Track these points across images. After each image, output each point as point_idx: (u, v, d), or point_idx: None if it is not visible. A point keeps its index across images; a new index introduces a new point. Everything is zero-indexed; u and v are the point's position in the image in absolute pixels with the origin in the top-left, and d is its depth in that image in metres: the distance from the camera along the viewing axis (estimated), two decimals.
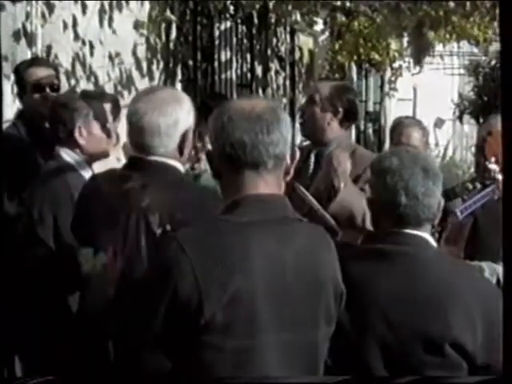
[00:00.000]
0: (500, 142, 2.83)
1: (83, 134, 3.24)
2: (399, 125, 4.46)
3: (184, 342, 1.97)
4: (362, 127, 12.49)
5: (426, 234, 2.39)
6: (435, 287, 2.31)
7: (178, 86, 6.96)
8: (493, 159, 3.01)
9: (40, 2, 5.02)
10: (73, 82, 5.45)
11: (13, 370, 3.39)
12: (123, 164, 2.74)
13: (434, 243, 2.43)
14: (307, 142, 3.80)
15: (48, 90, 3.83)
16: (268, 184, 2.06)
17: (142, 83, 6.27)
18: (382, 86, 12.66)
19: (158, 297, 1.97)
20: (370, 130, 12.57)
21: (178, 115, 2.55)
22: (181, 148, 2.59)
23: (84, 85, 5.55)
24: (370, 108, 12.86)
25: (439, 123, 16.26)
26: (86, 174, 3.24)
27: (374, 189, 2.43)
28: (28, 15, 4.98)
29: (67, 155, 3.28)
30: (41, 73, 3.89)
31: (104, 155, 3.34)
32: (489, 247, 3.07)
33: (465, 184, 3.52)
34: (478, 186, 3.34)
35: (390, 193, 2.36)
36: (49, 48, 5.17)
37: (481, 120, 10.82)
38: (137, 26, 6.20)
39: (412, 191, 2.34)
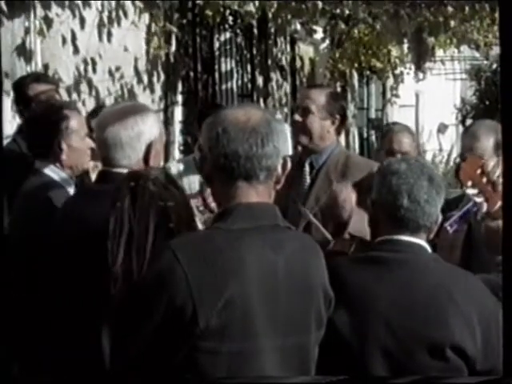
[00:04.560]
0: (473, 167, 2.85)
1: (63, 147, 3.16)
2: (389, 131, 4.47)
3: (179, 347, 1.98)
4: (365, 134, 12.51)
5: (422, 241, 2.40)
6: (435, 293, 2.31)
7: (179, 97, 6.97)
8: (469, 183, 2.99)
9: (38, 17, 5.04)
10: (74, 96, 5.47)
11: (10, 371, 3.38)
12: (95, 178, 2.81)
13: (429, 249, 2.43)
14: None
15: None
16: (259, 194, 2.09)
17: (143, 96, 6.28)
18: (383, 93, 12.69)
19: (153, 304, 1.98)
20: (373, 137, 12.58)
21: (140, 127, 2.61)
22: (146, 159, 2.64)
23: (85, 100, 5.56)
24: (372, 115, 12.88)
25: (442, 128, 16.26)
26: (69, 188, 3.14)
27: (378, 189, 2.43)
28: (27, 31, 4.99)
29: (49, 170, 3.14)
30: (41, 88, 3.90)
31: (85, 168, 3.28)
32: (482, 256, 3.04)
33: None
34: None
35: (393, 194, 2.37)
36: (48, 63, 5.19)
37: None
38: (143, 40, 6.24)
39: (415, 196, 2.36)
